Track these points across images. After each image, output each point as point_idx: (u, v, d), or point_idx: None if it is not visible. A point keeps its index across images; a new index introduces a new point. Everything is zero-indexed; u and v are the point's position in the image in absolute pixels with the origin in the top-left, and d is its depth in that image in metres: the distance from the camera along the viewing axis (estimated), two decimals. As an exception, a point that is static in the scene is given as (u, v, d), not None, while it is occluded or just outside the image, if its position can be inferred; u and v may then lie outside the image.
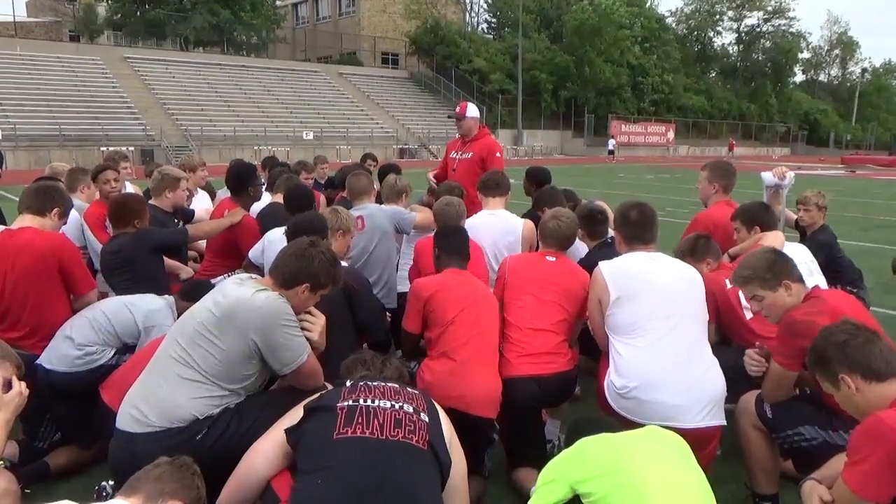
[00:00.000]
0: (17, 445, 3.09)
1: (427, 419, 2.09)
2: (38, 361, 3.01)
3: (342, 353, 3.06)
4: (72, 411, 3.09)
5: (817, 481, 2.03)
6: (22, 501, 2.19)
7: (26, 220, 3.25)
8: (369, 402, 2.06)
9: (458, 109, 5.72)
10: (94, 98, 31.27)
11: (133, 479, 1.90)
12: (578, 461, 2.00)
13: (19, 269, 3.06)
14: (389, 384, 2.19)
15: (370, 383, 2.16)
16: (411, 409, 2.08)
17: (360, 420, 1.99)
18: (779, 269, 2.64)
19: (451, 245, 3.31)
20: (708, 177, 4.30)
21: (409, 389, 2.21)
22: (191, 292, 3.23)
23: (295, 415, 2.11)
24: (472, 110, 5.72)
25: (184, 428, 2.32)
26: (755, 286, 2.66)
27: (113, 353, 3.10)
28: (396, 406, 2.07)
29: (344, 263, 3.51)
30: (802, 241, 4.42)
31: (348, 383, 2.18)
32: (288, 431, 2.06)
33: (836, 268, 4.46)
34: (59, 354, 3.02)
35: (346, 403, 2.05)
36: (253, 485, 2.08)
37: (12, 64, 30.94)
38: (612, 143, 41.40)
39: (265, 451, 2.11)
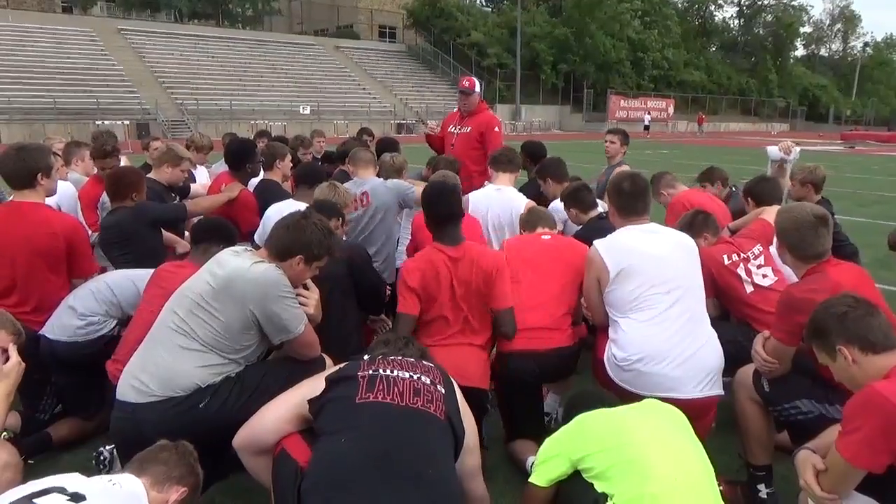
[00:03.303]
0: (19, 417, 3.12)
1: (443, 391, 2.13)
2: (40, 332, 3.02)
3: (344, 328, 3.10)
4: (73, 382, 3.12)
5: (811, 450, 2.05)
6: (24, 473, 2.20)
7: (27, 195, 3.15)
8: (388, 371, 2.10)
9: (466, 84, 5.66)
10: (88, 71, 30.90)
11: (140, 460, 1.94)
12: (579, 437, 2.02)
13: (33, 245, 3.05)
14: (407, 358, 2.23)
15: (388, 357, 2.20)
16: (428, 381, 2.12)
17: (381, 387, 2.03)
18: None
19: (439, 212, 3.01)
20: (653, 193, 4.05)
21: (424, 362, 2.24)
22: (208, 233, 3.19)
23: (316, 385, 2.12)
24: (478, 85, 5.74)
25: (186, 397, 2.34)
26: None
27: (115, 323, 3.11)
28: (415, 377, 2.11)
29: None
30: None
31: (366, 357, 2.21)
32: (311, 402, 2.08)
33: (836, 241, 4.46)
34: (62, 324, 3.03)
35: (366, 373, 2.09)
36: (264, 436, 2.12)
37: (4, 36, 30.45)
38: (647, 118, 41.11)
39: (277, 410, 2.13)
